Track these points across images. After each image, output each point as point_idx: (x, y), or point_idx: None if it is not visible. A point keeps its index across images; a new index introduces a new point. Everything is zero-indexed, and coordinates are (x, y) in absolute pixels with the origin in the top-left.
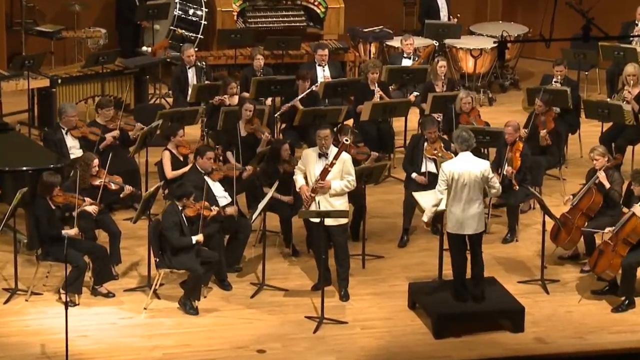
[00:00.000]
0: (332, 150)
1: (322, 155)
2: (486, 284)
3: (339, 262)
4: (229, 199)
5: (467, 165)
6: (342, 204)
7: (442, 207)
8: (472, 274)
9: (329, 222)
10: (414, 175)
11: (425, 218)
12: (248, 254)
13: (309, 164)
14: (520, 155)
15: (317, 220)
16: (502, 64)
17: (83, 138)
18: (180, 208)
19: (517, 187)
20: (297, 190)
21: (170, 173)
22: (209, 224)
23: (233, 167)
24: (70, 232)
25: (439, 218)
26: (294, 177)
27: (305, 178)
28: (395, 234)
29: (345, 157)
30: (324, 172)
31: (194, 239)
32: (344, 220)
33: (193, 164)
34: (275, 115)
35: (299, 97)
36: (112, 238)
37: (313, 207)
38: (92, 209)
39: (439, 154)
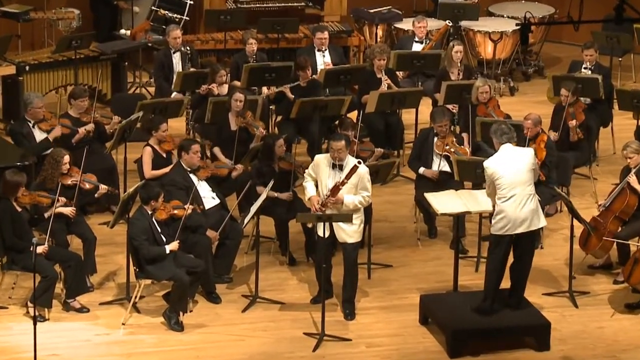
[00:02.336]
0: (348, 162)
1: (336, 166)
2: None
3: (345, 281)
4: (217, 200)
5: (511, 158)
6: (355, 219)
7: (455, 209)
8: (516, 278)
9: (341, 237)
10: (422, 169)
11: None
12: (239, 263)
13: (320, 174)
14: (545, 147)
15: (325, 233)
16: (525, 48)
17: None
18: (149, 212)
19: (544, 178)
20: (307, 199)
21: (149, 172)
22: (191, 227)
23: (222, 165)
24: (39, 249)
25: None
26: (303, 183)
27: (316, 185)
28: (405, 239)
29: (362, 170)
30: (335, 189)
31: (168, 248)
32: (356, 237)
33: (177, 161)
34: (271, 106)
35: (292, 84)
36: (87, 245)
37: (321, 226)
38: (68, 210)
39: (452, 150)
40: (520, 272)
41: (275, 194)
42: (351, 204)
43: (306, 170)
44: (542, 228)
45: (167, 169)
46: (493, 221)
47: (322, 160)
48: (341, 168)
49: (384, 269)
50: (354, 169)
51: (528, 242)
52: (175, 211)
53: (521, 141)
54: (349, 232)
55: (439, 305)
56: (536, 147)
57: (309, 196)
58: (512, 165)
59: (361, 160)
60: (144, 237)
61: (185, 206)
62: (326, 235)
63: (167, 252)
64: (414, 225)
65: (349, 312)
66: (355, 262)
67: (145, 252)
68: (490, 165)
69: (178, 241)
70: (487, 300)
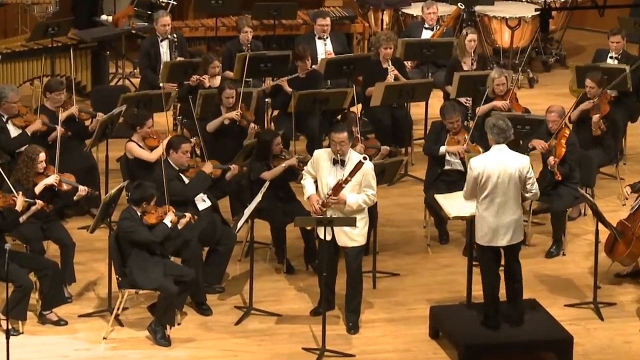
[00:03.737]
0: (351, 157)
1: (337, 161)
2: (526, 306)
3: (348, 290)
4: (208, 203)
5: (501, 161)
6: (359, 220)
7: (469, 211)
8: (508, 292)
9: (342, 242)
10: (443, 148)
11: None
12: (232, 271)
13: (321, 171)
14: (566, 143)
15: (326, 237)
16: (545, 36)
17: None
18: (138, 214)
19: (560, 178)
20: (305, 199)
21: (150, 155)
22: (180, 232)
23: (215, 165)
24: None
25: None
26: (302, 181)
27: (316, 183)
28: (414, 246)
29: (367, 167)
30: (337, 188)
31: (167, 220)
32: (360, 240)
33: (165, 159)
34: (266, 100)
35: (289, 76)
36: (64, 251)
37: (322, 228)
38: (52, 179)
39: (464, 149)
40: (508, 284)
41: (284, 164)
42: (355, 204)
43: (304, 167)
44: (564, 233)
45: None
46: (475, 229)
47: (322, 155)
48: (343, 164)
49: (391, 278)
50: (359, 165)
51: (512, 256)
52: (172, 216)
53: (542, 136)
54: (352, 235)
55: (451, 317)
56: (556, 142)
57: (308, 195)
58: (503, 170)
59: (367, 156)
60: (138, 226)
61: (182, 214)
62: (328, 238)
63: (169, 225)
64: (423, 229)
65: (353, 325)
66: (359, 268)
67: (144, 237)
68: (477, 165)
69: (172, 213)
70: (487, 313)
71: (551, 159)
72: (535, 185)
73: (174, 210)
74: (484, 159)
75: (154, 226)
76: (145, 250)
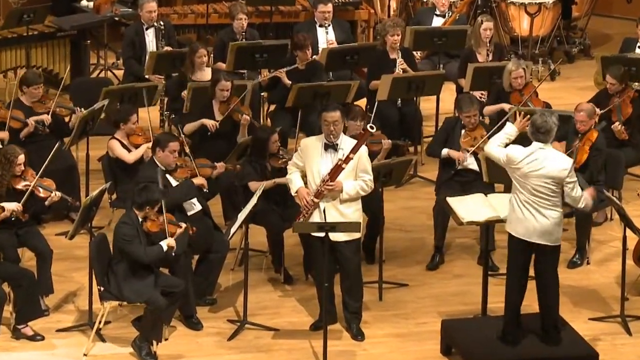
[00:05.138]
0: (344, 140)
1: (330, 146)
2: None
3: (348, 292)
4: (199, 207)
5: (542, 161)
6: (354, 211)
7: (484, 217)
8: (542, 303)
9: (337, 236)
10: (445, 151)
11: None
12: (224, 281)
13: (310, 159)
14: (590, 149)
15: (320, 234)
16: (567, 24)
17: (2, 125)
18: (139, 220)
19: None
20: (293, 194)
21: (131, 157)
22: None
23: (204, 164)
24: None
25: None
26: (287, 176)
27: (304, 177)
28: (424, 253)
29: (361, 150)
30: (336, 170)
31: (164, 244)
32: (356, 234)
33: (150, 158)
34: (262, 93)
35: (288, 67)
36: (41, 260)
37: (316, 218)
38: (12, 207)
39: (481, 146)
40: (542, 293)
41: (273, 181)
42: (352, 191)
43: (289, 162)
44: (589, 239)
45: (147, 145)
46: (508, 216)
47: (311, 143)
48: (335, 149)
49: (399, 289)
50: (365, 134)
51: (548, 260)
52: (168, 226)
53: (569, 135)
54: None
55: (464, 332)
56: (579, 146)
57: (296, 189)
58: (540, 169)
59: (374, 126)
60: (136, 241)
61: (180, 224)
62: (321, 235)
63: (165, 249)
64: (434, 235)
65: (358, 330)
66: (358, 267)
67: (141, 256)
68: (516, 153)
69: (173, 238)
70: (507, 326)
71: None
72: (577, 191)
73: (175, 232)
74: (526, 152)
75: (154, 235)
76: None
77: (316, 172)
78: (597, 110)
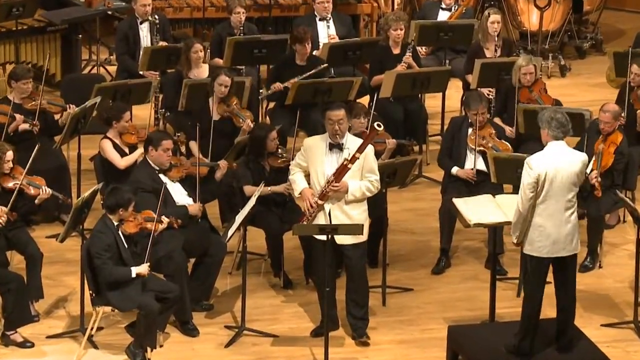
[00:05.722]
0: (349, 139)
1: (335, 146)
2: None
3: (354, 298)
4: None
5: (563, 160)
6: (360, 213)
7: (492, 218)
8: (561, 311)
9: (343, 239)
10: (455, 169)
11: (514, 238)
12: (222, 286)
13: (314, 159)
14: (615, 152)
15: (322, 237)
16: (579, 18)
17: None
18: (115, 223)
19: (601, 194)
20: (296, 196)
21: (122, 162)
22: (163, 242)
23: (200, 163)
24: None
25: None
26: (290, 177)
27: (307, 177)
28: (429, 257)
29: (367, 149)
30: (341, 170)
31: (134, 270)
32: (362, 237)
33: (143, 157)
34: (260, 97)
35: (287, 83)
36: (31, 263)
37: (321, 221)
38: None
39: (489, 144)
40: (563, 301)
41: (269, 189)
42: (358, 192)
43: (292, 162)
44: (601, 242)
45: (141, 151)
46: (527, 238)
47: (314, 142)
48: (340, 148)
49: (403, 294)
50: (373, 133)
51: (570, 268)
52: (148, 224)
53: (592, 134)
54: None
55: (471, 339)
56: (604, 149)
57: (300, 190)
58: (563, 170)
59: (381, 124)
60: (107, 256)
61: (162, 218)
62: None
63: (133, 275)
64: (440, 238)
65: (362, 333)
66: (364, 270)
67: (107, 274)
68: (538, 164)
69: (148, 264)
70: (524, 337)
71: (593, 174)
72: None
73: (157, 228)
74: (544, 157)
75: (135, 235)
76: (120, 264)
77: (320, 173)
78: (623, 113)
